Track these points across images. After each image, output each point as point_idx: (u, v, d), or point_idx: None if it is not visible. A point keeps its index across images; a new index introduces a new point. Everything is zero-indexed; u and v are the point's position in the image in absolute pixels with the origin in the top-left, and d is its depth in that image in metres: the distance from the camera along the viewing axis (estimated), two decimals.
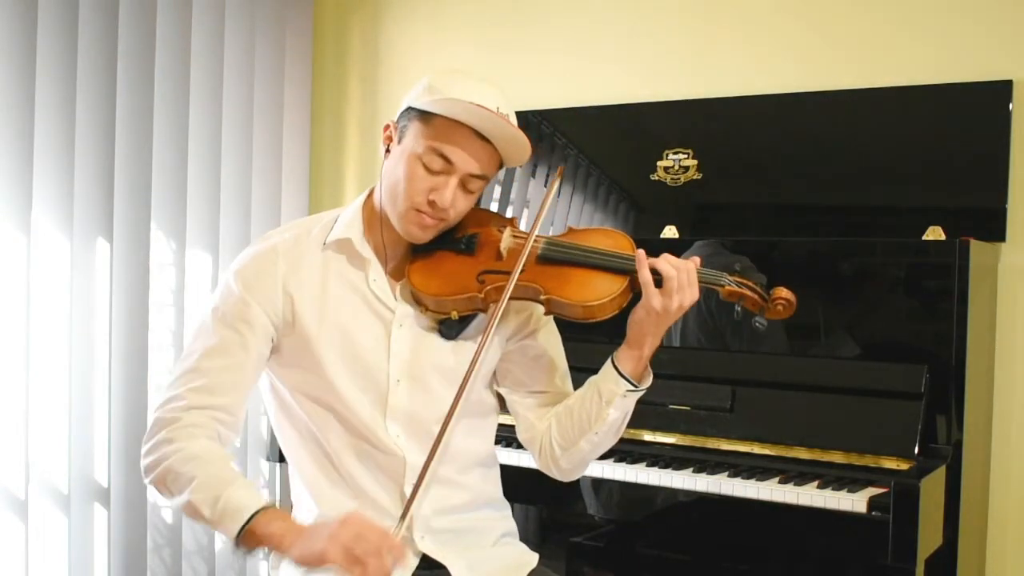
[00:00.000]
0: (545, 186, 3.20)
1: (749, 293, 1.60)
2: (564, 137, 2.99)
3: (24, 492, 2.67)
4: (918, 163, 2.69)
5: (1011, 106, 2.55)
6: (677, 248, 2.61)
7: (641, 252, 1.57)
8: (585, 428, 1.64)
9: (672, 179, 2.96)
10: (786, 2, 2.91)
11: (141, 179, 2.97)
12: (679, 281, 1.54)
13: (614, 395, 1.61)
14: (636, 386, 1.62)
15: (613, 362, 1.63)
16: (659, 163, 2.98)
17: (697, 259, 1.59)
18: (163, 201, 3.06)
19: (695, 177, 2.93)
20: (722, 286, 1.61)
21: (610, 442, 1.68)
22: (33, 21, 2.64)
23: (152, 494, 3.02)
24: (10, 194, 2.63)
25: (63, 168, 2.74)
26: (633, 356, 1.61)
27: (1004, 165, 2.55)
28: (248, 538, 1.47)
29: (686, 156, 2.95)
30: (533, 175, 3.19)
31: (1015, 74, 2.56)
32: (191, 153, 3.15)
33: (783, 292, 1.60)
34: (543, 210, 1.65)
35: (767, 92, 2.88)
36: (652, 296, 1.55)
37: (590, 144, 3.05)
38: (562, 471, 1.72)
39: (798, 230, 2.82)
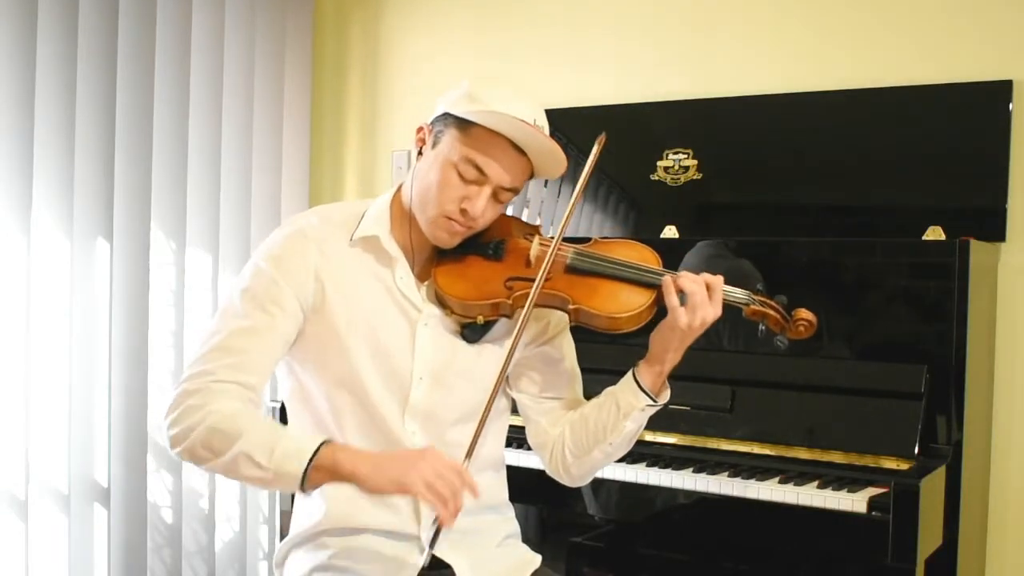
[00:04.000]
0: (546, 186, 3.21)
1: (772, 313, 1.63)
2: (564, 137, 2.99)
3: (24, 492, 2.67)
4: (918, 163, 2.69)
5: (1011, 106, 2.55)
6: (677, 248, 2.63)
7: (667, 278, 1.59)
8: (600, 438, 1.65)
9: (672, 179, 2.96)
10: (786, 2, 2.91)
11: (141, 179, 2.97)
12: (701, 297, 1.56)
13: (633, 408, 1.63)
14: (655, 400, 1.64)
15: (634, 375, 1.64)
16: (659, 163, 2.98)
17: (721, 277, 1.61)
18: (163, 201, 3.06)
19: (695, 177, 2.93)
20: (746, 305, 1.63)
21: (622, 452, 1.69)
22: (33, 21, 2.64)
23: (152, 494, 3.02)
24: (10, 194, 2.63)
25: (63, 168, 2.74)
26: (653, 371, 1.63)
27: (1004, 165, 2.55)
28: (314, 476, 1.44)
29: (686, 156, 2.95)
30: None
31: (1015, 74, 2.56)
32: (191, 153, 3.15)
33: (805, 313, 1.63)
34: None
35: (767, 92, 2.88)
36: (679, 316, 1.57)
37: (590, 144, 3.04)
38: (572, 477, 1.73)
39: (798, 230, 2.81)
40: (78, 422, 2.80)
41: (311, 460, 1.44)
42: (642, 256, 1.66)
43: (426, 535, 1.46)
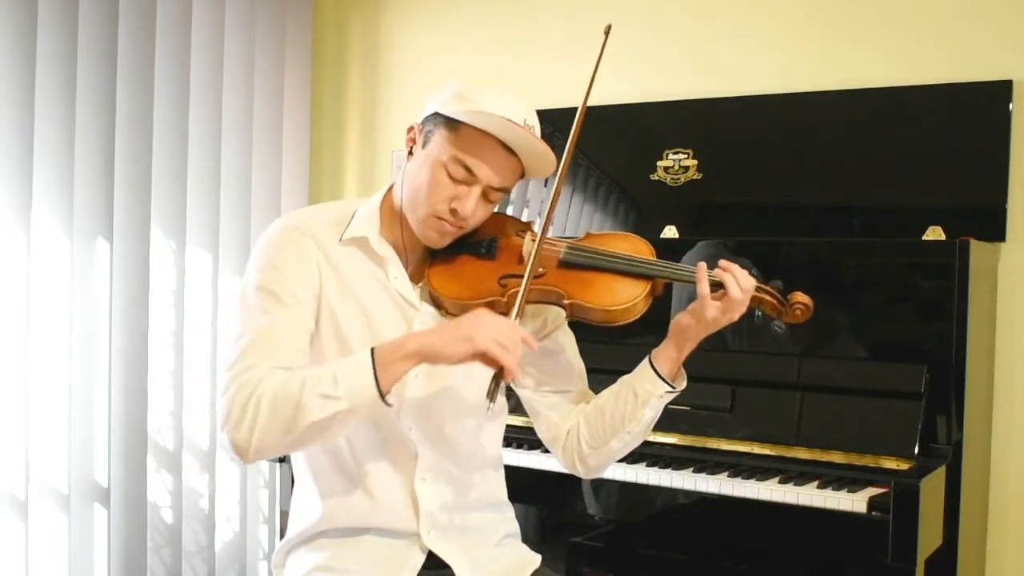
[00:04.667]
0: (546, 186, 3.20)
1: (768, 298, 1.62)
2: (563, 137, 2.99)
3: (24, 492, 2.67)
4: (918, 163, 2.69)
5: (1011, 106, 2.55)
6: (677, 248, 2.63)
7: (703, 264, 1.59)
8: (618, 427, 1.65)
9: (672, 179, 2.96)
10: (786, 2, 2.91)
11: (141, 177, 2.97)
12: (741, 300, 1.56)
13: (651, 395, 1.63)
14: (673, 387, 1.64)
15: (651, 363, 1.64)
16: (659, 163, 2.98)
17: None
18: (163, 201, 3.06)
19: (695, 177, 2.93)
20: None
21: (639, 441, 1.69)
22: (33, 21, 2.64)
23: (152, 494, 3.02)
24: (10, 194, 2.63)
25: (63, 168, 2.74)
26: (671, 358, 1.63)
27: (1004, 165, 2.55)
28: (385, 376, 1.45)
29: (686, 156, 2.95)
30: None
31: (1015, 74, 2.56)
32: (191, 153, 3.15)
33: (801, 297, 1.62)
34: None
35: (767, 92, 2.88)
36: (708, 307, 1.56)
37: (590, 144, 3.05)
38: (588, 468, 1.73)
39: (798, 230, 2.82)
40: (78, 422, 2.80)
41: (373, 363, 1.44)
42: (635, 247, 1.65)
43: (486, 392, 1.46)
